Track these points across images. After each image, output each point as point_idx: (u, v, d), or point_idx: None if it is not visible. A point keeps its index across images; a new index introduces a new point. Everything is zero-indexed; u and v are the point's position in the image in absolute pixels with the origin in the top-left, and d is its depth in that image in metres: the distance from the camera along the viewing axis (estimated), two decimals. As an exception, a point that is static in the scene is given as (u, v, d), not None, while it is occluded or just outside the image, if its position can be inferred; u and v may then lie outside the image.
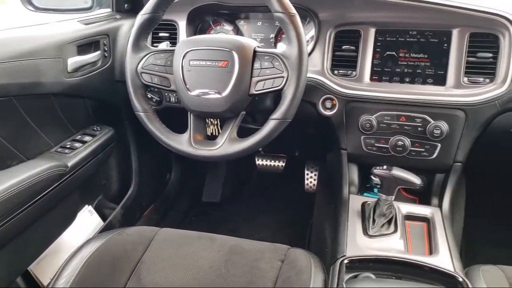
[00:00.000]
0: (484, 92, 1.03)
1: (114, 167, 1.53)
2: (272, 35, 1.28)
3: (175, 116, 1.09)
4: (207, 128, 1.17)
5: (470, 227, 1.36)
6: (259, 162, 1.98)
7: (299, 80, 0.89)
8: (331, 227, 1.14)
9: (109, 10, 1.41)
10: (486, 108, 1.03)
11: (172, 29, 1.28)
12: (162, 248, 0.92)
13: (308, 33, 1.21)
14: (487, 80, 1.04)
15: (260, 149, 1.91)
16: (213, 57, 0.93)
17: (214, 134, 1.19)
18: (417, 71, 1.10)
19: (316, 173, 1.85)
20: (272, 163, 1.96)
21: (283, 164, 1.95)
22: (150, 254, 0.89)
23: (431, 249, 0.96)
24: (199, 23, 1.32)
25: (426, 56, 1.09)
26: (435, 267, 0.86)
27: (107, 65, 1.29)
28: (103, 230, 1.37)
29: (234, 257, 0.89)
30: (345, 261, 0.87)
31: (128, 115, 1.35)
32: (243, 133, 0.98)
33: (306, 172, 1.88)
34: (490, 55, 1.04)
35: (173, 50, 0.97)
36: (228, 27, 1.33)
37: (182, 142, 0.97)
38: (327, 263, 0.93)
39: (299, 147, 1.83)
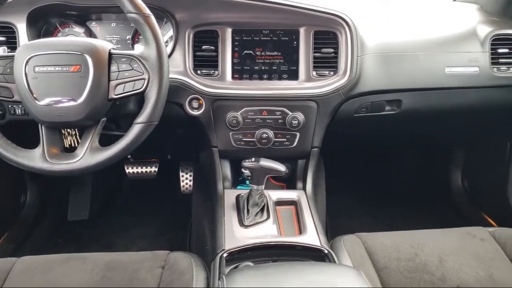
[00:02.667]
0: (330, 84, 1.15)
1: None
2: (129, 36, 1.23)
3: (25, 130, 0.96)
4: (64, 140, 1.07)
5: (332, 204, 1.52)
6: (129, 170, 1.88)
7: (161, 81, 0.88)
8: (210, 224, 1.15)
9: None
10: (333, 97, 1.16)
11: (9, 32, 1.13)
12: (24, 279, 0.81)
13: (167, 33, 1.19)
14: (332, 73, 1.17)
15: (129, 156, 1.82)
16: (63, 61, 0.85)
17: (73, 145, 1.09)
18: (273, 68, 1.18)
19: (191, 173, 1.85)
20: (144, 169, 1.89)
21: (156, 169, 1.90)
22: (9, 289, 0.78)
23: (301, 229, 1.04)
24: (43, 25, 1.19)
25: (279, 53, 1.17)
26: (305, 245, 0.94)
27: None
28: None
29: (110, 273, 0.84)
30: (224, 255, 0.89)
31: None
32: (107, 142, 0.92)
33: (181, 174, 1.86)
34: (332, 50, 1.17)
35: (13, 56, 0.86)
36: (78, 29, 1.23)
37: (35, 158, 0.87)
38: (209, 261, 0.94)
39: (170, 149, 1.80)
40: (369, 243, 0.98)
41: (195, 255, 0.94)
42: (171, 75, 1.04)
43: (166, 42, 1.17)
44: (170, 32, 1.18)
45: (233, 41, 1.16)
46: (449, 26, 1.33)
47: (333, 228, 1.56)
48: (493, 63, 1.27)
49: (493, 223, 1.58)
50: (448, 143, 1.82)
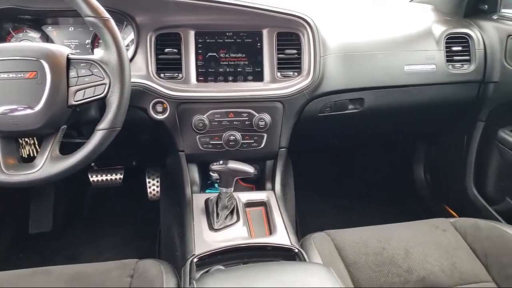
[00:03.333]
0: (295, 84, 1.16)
1: None
2: (88, 41, 1.19)
3: None
4: (22, 150, 1.03)
5: (301, 202, 1.54)
6: (94, 178, 1.82)
7: (123, 86, 0.86)
8: (179, 230, 1.14)
9: None
10: (298, 98, 1.17)
11: None
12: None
13: (127, 37, 1.17)
14: (296, 74, 1.18)
15: (93, 164, 1.77)
16: (17, 68, 0.82)
17: (32, 155, 1.05)
18: (238, 69, 1.17)
19: (158, 179, 1.81)
20: (109, 177, 1.83)
21: (121, 176, 1.85)
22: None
23: (271, 230, 1.05)
24: (-6, 30, 1.14)
25: (244, 55, 1.18)
26: (275, 245, 0.95)
27: None
28: None
29: (76, 286, 0.81)
30: (195, 260, 0.88)
31: None
32: (69, 150, 0.88)
33: (147, 180, 1.82)
34: (295, 51, 1.18)
35: None
36: (34, 34, 1.18)
37: None
38: (179, 267, 0.93)
39: (135, 155, 1.76)
40: (338, 240, 1.00)
41: (165, 262, 0.92)
42: (133, 79, 1.02)
43: (127, 45, 1.15)
44: (131, 36, 1.15)
45: (197, 43, 1.15)
46: (406, 25, 1.38)
47: (303, 226, 1.57)
48: (448, 61, 1.33)
49: (454, 214, 1.64)
50: (409, 138, 1.88)
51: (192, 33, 1.14)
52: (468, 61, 1.35)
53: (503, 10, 1.39)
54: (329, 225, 1.09)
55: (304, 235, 1.04)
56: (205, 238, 0.98)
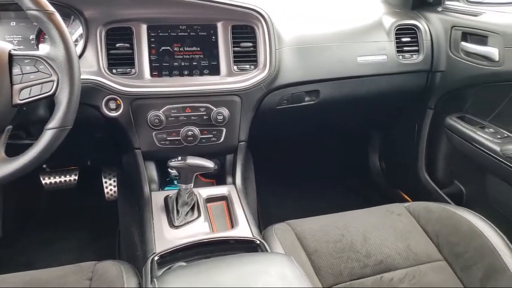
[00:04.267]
0: (252, 78, 1.17)
1: None
2: (33, 36, 1.13)
3: None
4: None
5: (263, 195, 1.55)
6: (46, 180, 1.74)
7: (72, 82, 0.82)
8: (139, 229, 1.11)
9: None
10: (255, 91, 1.17)
11: None
12: None
13: (75, 32, 1.12)
14: (252, 67, 1.18)
15: (44, 165, 1.69)
16: None
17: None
18: (193, 63, 1.16)
19: (115, 179, 1.76)
20: (62, 178, 1.76)
21: (76, 177, 1.78)
22: None
23: (233, 223, 1.05)
24: None
25: (198, 48, 1.16)
26: (237, 238, 0.95)
27: None
28: None
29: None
30: (156, 258, 0.86)
31: None
32: (17, 152, 0.84)
33: (103, 180, 1.76)
34: (251, 44, 1.18)
35: None
36: (-29, 29, 1.10)
37: None
38: (141, 266, 0.91)
39: (90, 155, 1.70)
40: (299, 230, 1.01)
41: (125, 262, 0.90)
42: (83, 76, 0.98)
43: (76, 41, 1.10)
44: (80, 30, 1.10)
45: (149, 37, 1.12)
46: (358, 18, 1.41)
47: (266, 218, 1.59)
48: (398, 51, 1.38)
49: (408, 198, 1.72)
50: (364, 128, 1.95)
51: (144, 27, 1.12)
52: (417, 51, 1.40)
53: (447, 3, 1.46)
54: (290, 216, 1.10)
55: (266, 227, 1.05)
56: (166, 236, 0.96)
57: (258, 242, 0.94)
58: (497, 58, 1.19)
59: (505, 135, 1.21)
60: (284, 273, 0.62)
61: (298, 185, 1.96)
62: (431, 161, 1.57)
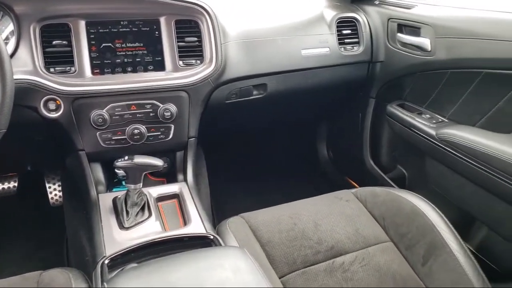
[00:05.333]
0: (198, 73, 1.16)
1: None
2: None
3: None
4: None
5: (216, 189, 1.54)
6: (-18, 189, 1.63)
7: (4, 83, 0.77)
8: (87, 233, 1.07)
9: None
10: (202, 86, 1.17)
11: None
12: None
13: (6, 29, 1.04)
14: (198, 62, 1.17)
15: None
16: None
17: None
18: (137, 59, 1.13)
19: (59, 183, 1.68)
20: (0, 186, 1.65)
21: (15, 184, 1.67)
22: None
23: (185, 221, 1.04)
24: None
25: (141, 44, 1.13)
26: (190, 235, 0.94)
27: None
28: None
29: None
30: (106, 261, 0.84)
31: None
32: None
33: (47, 185, 1.67)
34: (196, 39, 1.17)
35: None
36: None
37: None
38: (91, 271, 0.87)
39: (29, 159, 1.60)
40: (252, 222, 1.02)
41: (74, 269, 0.86)
42: (18, 76, 0.92)
43: (6, 38, 1.03)
44: (10, 27, 1.03)
45: (88, 34, 1.08)
46: (301, 11, 1.44)
47: (220, 213, 1.59)
48: (340, 43, 1.42)
49: (356, 184, 1.79)
50: (312, 119, 2.00)
51: (82, 23, 1.07)
52: (357, 43, 1.46)
53: (383, -4, 1.53)
54: (245, 209, 1.10)
55: (221, 221, 1.05)
56: (116, 238, 0.94)
57: (211, 237, 0.94)
58: (429, 48, 1.26)
59: (440, 120, 1.29)
60: (237, 265, 0.62)
61: (252, 178, 1.98)
62: (375, 148, 1.64)
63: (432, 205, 1.04)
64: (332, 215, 1.05)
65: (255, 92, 1.35)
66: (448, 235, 0.95)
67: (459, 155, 1.13)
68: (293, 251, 0.95)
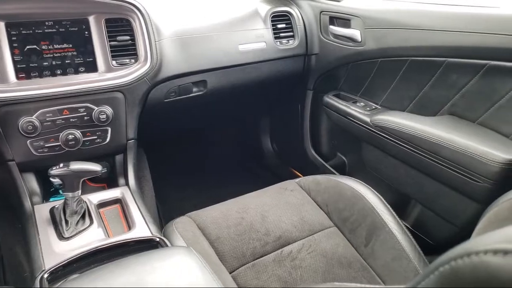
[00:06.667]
0: (133, 72, 1.12)
1: None
2: None
3: None
4: None
5: (162, 191, 1.51)
6: None
7: None
8: (24, 248, 1.00)
9: None
10: (138, 85, 1.13)
11: None
12: None
13: None
14: (133, 61, 1.14)
15: None
16: None
17: None
18: (66, 61, 1.07)
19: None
20: None
21: None
22: None
23: (129, 225, 1.01)
24: None
25: (70, 45, 1.08)
26: (136, 239, 0.92)
27: None
28: None
29: None
30: (45, 275, 0.79)
31: None
32: None
33: (-25, 201, 1.54)
34: (128, 37, 1.13)
35: None
36: None
37: None
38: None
39: None
40: (200, 220, 1.02)
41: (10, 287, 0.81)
42: None
43: None
44: None
45: (9, 36, 1.01)
46: (235, 7, 1.44)
47: (167, 214, 1.56)
48: (275, 38, 1.45)
49: (299, 174, 1.84)
50: (255, 113, 2.02)
51: (1, 25, 0.99)
52: (292, 37, 1.49)
53: (314, -11, 1.57)
54: (192, 207, 1.10)
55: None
56: (56, 250, 0.89)
57: (157, 239, 0.92)
58: (359, 39, 1.32)
59: (373, 107, 1.36)
60: (183, 265, 0.62)
61: (199, 176, 1.96)
62: (316, 137, 1.70)
63: (371, 188, 1.09)
64: (278, 206, 1.08)
65: (195, 89, 1.33)
66: (386, 216, 1.00)
67: (392, 139, 1.20)
68: (242, 245, 0.96)
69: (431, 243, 1.20)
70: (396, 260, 0.92)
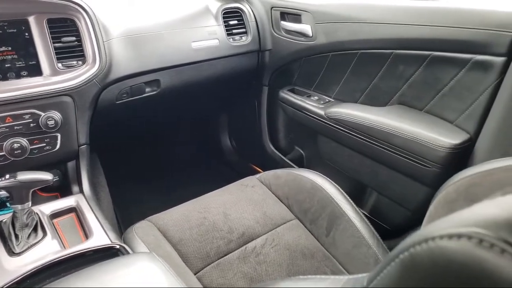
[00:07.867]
0: (81, 74, 1.07)
1: None
2: None
3: None
4: None
5: (121, 196, 1.46)
6: None
7: None
8: None
9: None
10: (87, 88, 1.09)
11: None
12: None
13: None
14: (80, 63, 1.09)
15: None
16: None
17: None
18: (6, 65, 1.00)
19: None
20: None
21: None
22: None
23: (87, 234, 0.97)
24: None
25: (10, 48, 1.01)
26: (94, 248, 0.88)
27: None
28: None
29: None
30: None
31: None
32: None
33: None
34: (74, 38, 1.08)
35: None
36: None
37: None
38: None
39: None
40: (161, 223, 1.00)
41: None
42: None
43: None
44: None
45: None
46: (186, 4, 1.42)
47: (127, 220, 1.51)
48: (228, 34, 1.44)
49: (259, 169, 1.85)
50: (212, 110, 2.00)
51: None
52: (245, 33, 1.49)
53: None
54: (153, 211, 1.07)
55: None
56: (6, 266, 0.83)
57: (117, 247, 0.89)
58: (310, 34, 1.35)
59: (327, 100, 1.39)
60: (146, 271, 0.60)
61: (157, 178, 1.92)
62: (273, 132, 1.71)
63: (329, 179, 1.12)
64: (239, 202, 1.08)
65: (148, 89, 1.30)
66: (345, 205, 1.03)
67: (346, 130, 1.24)
68: (206, 245, 0.95)
69: (388, 228, 1.26)
70: (356, 248, 0.95)
